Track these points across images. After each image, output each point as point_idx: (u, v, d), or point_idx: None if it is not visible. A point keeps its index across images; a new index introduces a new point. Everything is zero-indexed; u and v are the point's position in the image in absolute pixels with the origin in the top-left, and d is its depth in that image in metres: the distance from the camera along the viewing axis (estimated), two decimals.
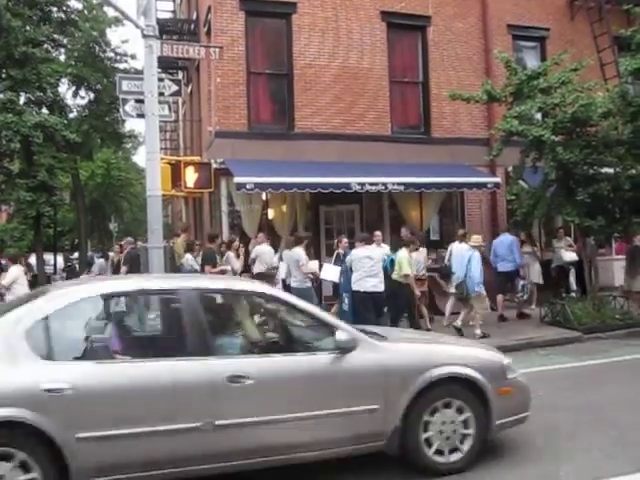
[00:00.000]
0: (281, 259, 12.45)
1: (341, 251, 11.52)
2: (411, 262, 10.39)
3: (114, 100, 19.12)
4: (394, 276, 10.29)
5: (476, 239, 11.02)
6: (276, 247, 12.82)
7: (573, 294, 13.20)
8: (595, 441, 5.39)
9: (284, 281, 11.28)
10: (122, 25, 21.59)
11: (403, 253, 10.37)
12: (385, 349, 4.86)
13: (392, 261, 10.42)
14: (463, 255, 10.81)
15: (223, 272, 10.58)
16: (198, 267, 12.90)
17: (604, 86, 12.29)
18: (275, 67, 14.08)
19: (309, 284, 10.51)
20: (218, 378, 4.30)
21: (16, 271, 10.98)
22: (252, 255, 12.01)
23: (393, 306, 10.41)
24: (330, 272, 11.13)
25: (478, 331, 10.40)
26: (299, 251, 10.52)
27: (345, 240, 11.70)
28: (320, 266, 11.61)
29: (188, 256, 12.98)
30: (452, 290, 11.42)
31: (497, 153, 11.91)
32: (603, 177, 11.35)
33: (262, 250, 11.80)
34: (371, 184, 12.41)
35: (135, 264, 13.63)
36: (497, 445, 5.30)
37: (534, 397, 5.51)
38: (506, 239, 12.37)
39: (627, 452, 5.11)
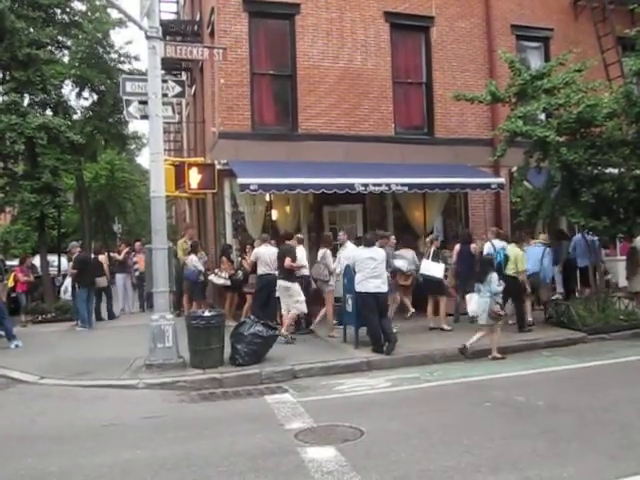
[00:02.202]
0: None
1: (435, 249, 11.74)
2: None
3: (118, 101, 19.08)
4: (509, 272, 10.97)
5: (544, 237, 12.35)
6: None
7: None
8: (600, 443, 5.37)
9: None
10: (125, 27, 21.52)
11: (518, 250, 11.27)
12: None
13: (506, 257, 11.12)
14: (535, 251, 11.84)
15: (301, 267, 11.06)
16: (202, 268, 12.94)
17: (608, 86, 12.26)
18: (278, 68, 14.09)
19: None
20: None
21: None
22: (252, 258, 11.99)
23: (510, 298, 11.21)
24: (432, 268, 11.33)
25: (530, 318, 11.46)
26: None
27: (440, 238, 12.26)
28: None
29: (192, 257, 13.03)
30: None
31: (501, 153, 11.87)
32: (607, 177, 11.32)
33: (261, 252, 11.77)
34: (375, 185, 12.40)
35: (85, 266, 13.80)
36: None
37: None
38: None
39: (632, 453, 5.08)
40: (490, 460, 5.03)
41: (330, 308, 11.29)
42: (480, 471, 4.82)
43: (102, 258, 15.42)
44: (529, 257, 11.72)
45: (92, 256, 15.42)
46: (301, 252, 11.37)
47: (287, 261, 10.58)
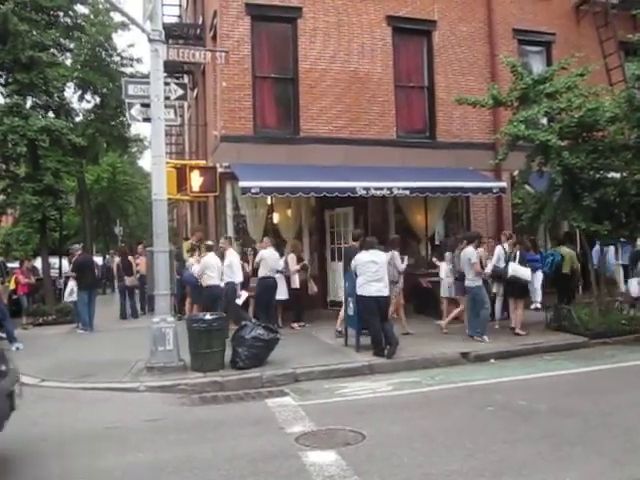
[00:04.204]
0: (286, 263, 12.49)
1: (520, 251, 11.69)
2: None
3: (120, 104, 19.15)
4: (565, 270, 12.08)
5: None
6: (281, 251, 12.83)
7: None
8: (603, 447, 5.35)
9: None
10: (128, 30, 21.63)
11: (569, 250, 12.29)
12: None
13: (562, 257, 12.16)
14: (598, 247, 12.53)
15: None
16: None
17: (610, 91, 12.26)
18: (280, 71, 14.11)
19: (480, 282, 10.88)
20: None
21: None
22: (257, 259, 12.06)
23: (565, 292, 12.42)
24: (521, 270, 11.32)
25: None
26: (471, 250, 10.95)
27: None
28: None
29: (191, 260, 13.03)
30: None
31: (503, 157, 11.87)
32: (609, 182, 11.31)
33: (267, 254, 11.83)
34: (376, 188, 12.38)
35: (86, 269, 13.90)
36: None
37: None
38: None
39: (635, 457, 5.07)
40: (493, 464, 5.02)
41: (401, 308, 11.53)
42: (483, 475, 4.81)
43: (131, 258, 16.27)
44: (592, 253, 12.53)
45: (117, 257, 16.63)
46: (213, 259, 11.31)
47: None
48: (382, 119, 14.32)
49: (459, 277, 11.29)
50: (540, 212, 11.83)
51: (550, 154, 11.14)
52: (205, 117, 17.25)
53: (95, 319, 14.19)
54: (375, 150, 13.78)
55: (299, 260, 12.75)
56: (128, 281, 15.91)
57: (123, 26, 21.12)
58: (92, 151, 22.19)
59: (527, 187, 12.59)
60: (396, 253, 11.44)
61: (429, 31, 14.93)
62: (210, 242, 12.26)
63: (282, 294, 12.30)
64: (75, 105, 20.76)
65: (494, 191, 13.52)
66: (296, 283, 12.58)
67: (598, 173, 11.34)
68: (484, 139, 14.79)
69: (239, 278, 11.50)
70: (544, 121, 12.18)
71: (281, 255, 12.54)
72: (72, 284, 14.27)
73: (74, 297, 14.18)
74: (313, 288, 12.87)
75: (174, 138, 22.57)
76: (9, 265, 19.89)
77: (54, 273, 18.46)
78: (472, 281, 10.84)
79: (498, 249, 11.92)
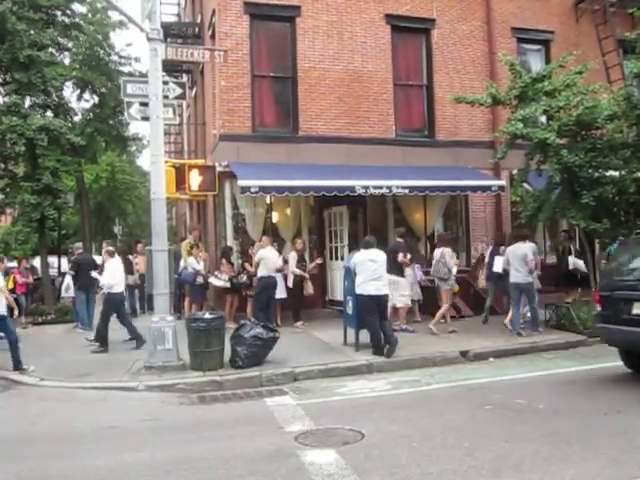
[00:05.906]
0: (285, 262, 12.49)
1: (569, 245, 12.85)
2: None
3: (118, 103, 19.16)
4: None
5: None
6: (280, 250, 12.83)
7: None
8: (601, 446, 5.34)
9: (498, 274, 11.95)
10: (126, 28, 21.56)
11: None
12: None
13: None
14: None
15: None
16: (199, 267, 12.94)
17: (609, 89, 12.26)
18: (279, 70, 14.09)
19: (530, 279, 11.05)
20: None
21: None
22: (256, 259, 12.03)
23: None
24: (580, 263, 12.36)
25: None
26: (527, 246, 11.16)
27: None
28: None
29: (190, 260, 13.02)
30: None
31: (502, 155, 11.87)
32: (608, 180, 11.32)
33: (266, 254, 11.81)
34: (375, 187, 12.39)
35: (82, 269, 13.92)
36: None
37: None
38: None
39: (634, 457, 5.06)
40: (491, 463, 5.01)
41: (447, 306, 11.58)
42: (481, 474, 4.80)
43: (130, 257, 16.13)
44: None
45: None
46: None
47: (400, 256, 11.23)
48: (381, 118, 14.30)
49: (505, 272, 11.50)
50: (538, 210, 11.83)
51: (549, 152, 11.15)
52: (204, 116, 17.23)
53: (94, 318, 14.16)
54: (374, 149, 13.76)
55: (301, 260, 12.77)
56: (131, 280, 15.81)
57: (121, 25, 21.08)
58: (91, 150, 22.13)
59: (525, 185, 12.59)
60: (446, 250, 11.48)
61: (428, 29, 14.90)
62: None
63: (281, 293, 12.31)
64: (74, 104, 20.76)
65: (493, 189, 13.52)
66: (291, 282, 12.60)
67: (597, 171, 11.34)
68: (483, 137, 14.78)
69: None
70: (543, 119, 12.18)
71: (280, 254, 12.54)
72: (68, 279, 14.32)
73: (71, 292, 14.23)
74: (309, 289, 12.85)
75: (173, 137, 22.53)
76: (8, 264, 19.86)
77: (53, 272, 18.43)
78: (526, 277, 10.98)
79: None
